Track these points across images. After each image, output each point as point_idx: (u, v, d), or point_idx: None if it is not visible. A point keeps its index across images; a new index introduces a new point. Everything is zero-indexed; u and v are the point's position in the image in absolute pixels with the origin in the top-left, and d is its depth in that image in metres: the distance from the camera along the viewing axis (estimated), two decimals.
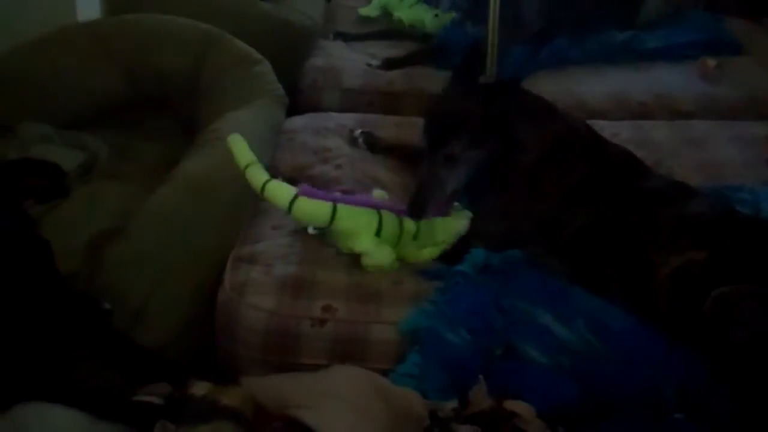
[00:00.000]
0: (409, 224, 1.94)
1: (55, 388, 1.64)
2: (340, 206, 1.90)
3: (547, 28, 3.37)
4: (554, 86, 2.98)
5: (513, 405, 1.57)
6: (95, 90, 2.72)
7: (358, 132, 2.51)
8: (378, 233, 1.91)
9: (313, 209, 1.90)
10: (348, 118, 2.68)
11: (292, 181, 2.02)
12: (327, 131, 2.56)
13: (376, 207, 1.95)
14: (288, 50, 3.15)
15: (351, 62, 3.21)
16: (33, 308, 1.44)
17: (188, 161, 2.23)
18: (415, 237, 1.95)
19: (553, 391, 1.63)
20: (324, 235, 2.00)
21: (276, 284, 1.85)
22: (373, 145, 2.47)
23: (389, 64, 3.17)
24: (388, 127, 2.63)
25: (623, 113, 2.93)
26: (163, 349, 1.82)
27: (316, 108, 2.92)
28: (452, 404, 1.58)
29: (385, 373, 1.69)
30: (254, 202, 2.17)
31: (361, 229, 1.91)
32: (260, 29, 3.12)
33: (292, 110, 2.78)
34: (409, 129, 2.49)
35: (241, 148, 1.91)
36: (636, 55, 3.36)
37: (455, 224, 1.98)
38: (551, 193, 1.99)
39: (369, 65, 3.19)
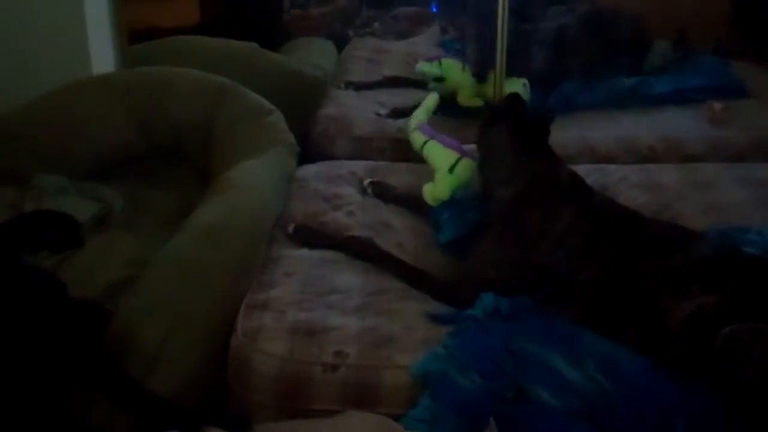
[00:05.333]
0: None
1: None
2: (432, 141, 2.45)
3: (556, 74, 3.42)
4: (563, 132, 2.98)
5: None
6: (110, 142, 2.77)
7: (367, 182, 2.54)
8: (451, 170, 2.37)
9: (415, 139, 2.50)
10: (359, 166, 2.71)
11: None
12: (338, 179, 2.59)
13: (462, 152, 2.42)
14: (299, 100, 3.21)
15: (361, 111, 3.25)
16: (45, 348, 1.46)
17: (202, 209, 2.26)
18: None
19: None
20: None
21: (288, 330, 1.86)
22: (383, 194, 2.50)
23: (397, 113, 3.20)
24: (399, 173, 2.65)
25: (632, 157, 2.96)
26: (176, 397, 1.82)
27: (328, 156, 2.95)
28: None
29: (397, 418, 1.68)
30: (266, 249, 2.20)
31: (439, 160, 2.41)
32: (272, 80, 3.19)
33: (304, 158, 2.82)
34: (419, 175, 2.53)
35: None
36: (644, 99, 3.40)
37: None
38: (534, 237, 2.02)
39: (378, 114, 3.22)
